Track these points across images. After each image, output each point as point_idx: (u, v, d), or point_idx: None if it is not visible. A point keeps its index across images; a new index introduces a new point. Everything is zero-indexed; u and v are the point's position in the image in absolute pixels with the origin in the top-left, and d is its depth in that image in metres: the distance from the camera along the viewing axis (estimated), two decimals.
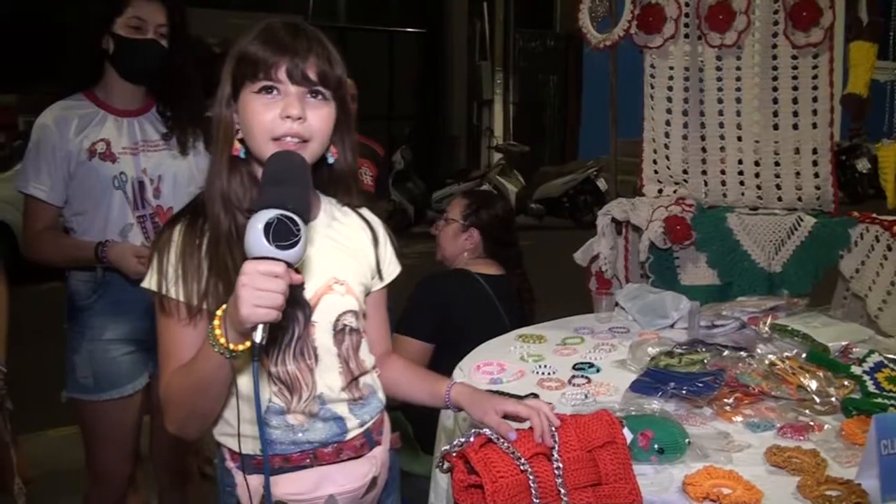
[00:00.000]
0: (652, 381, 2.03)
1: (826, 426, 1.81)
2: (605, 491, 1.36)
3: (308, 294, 1.41)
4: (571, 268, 3.35)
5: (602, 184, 10.84)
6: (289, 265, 1.17)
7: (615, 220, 3.24)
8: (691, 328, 2.48)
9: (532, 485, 1.29)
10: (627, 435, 1.50)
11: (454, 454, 1.35)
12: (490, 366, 2.24)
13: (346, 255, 1.50)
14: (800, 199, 3.07)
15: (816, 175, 3.02)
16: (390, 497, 1.61)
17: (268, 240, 1.15)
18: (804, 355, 2.12)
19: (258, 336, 1.16)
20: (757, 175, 3.11)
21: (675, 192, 3.24)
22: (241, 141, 1.38)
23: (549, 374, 2.18)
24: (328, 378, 1.44)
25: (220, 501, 1.48)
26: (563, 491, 1.31)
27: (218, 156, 1.39)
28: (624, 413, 1.74)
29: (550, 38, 14.23)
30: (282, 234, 1.16)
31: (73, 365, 2.44)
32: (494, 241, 2.77)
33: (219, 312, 1.21)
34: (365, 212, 1.58)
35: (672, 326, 2.61)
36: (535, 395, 1.98)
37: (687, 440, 1.66)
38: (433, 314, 2.54)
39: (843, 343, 2.23)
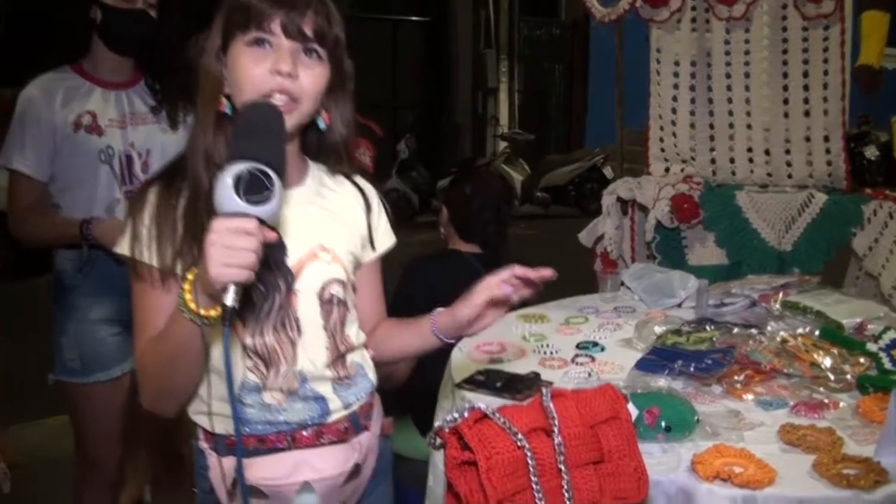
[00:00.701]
0: (658, 359, 1.94)
1: (842, 403, 1.72)
2: (607, 469, 1.27)
3: (291, 261, 1.32)
4: (577, 257, 3.26)
5: (608, 171, 10.71)
6: (262, 222, 1.09)
7: (621, 199, 3.16)
8: (699, 306, 2.39)
9: (530, 462, 1.21)
10: (632, 411, 1.41)
11: (447, 430, 1.27)
12: (490, 345, 2.15)
13: (334, 221, 1.41)
14: (811, 175, 3.00)
15: (828, 151, 2.93)
16: (379, 487, 1.51)
17: (238, 194, 1.06)
18: (817, 332, 2.03)
19: (229, 299, 1.07)
20: (767, 151, 3.03)
21: (682, 170, 3.16)
22: (229, 98, 1.29)
23: (551, 353, 2.10)
24: (312, 352, 1.34)
25: (196, 484, 1.40)
26: (563, 469, 1.23)
27: (203, 111, 1.30)
28: (629, 391, 1.66)
29: (556, 27, 14.08)
30: (253, 188, 1.07)
31: (60, 347, 2.36)
32: (462, 220, 2.60)
33: (189, 276, 1.13)
34: (359, 179, 1.49)
35: (679, 306, 2.53)
36: (537, 374, 1.90)
37: (696, 418, 1.57)
38: (422, 296, 2.43)
39: (858, 320, 2.14)
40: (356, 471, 1.40)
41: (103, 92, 2.34)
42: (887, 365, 1.89)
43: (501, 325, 2.33)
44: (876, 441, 1.51)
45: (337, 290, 1.37)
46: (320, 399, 1.35)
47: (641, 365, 1.93)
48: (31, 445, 3.45)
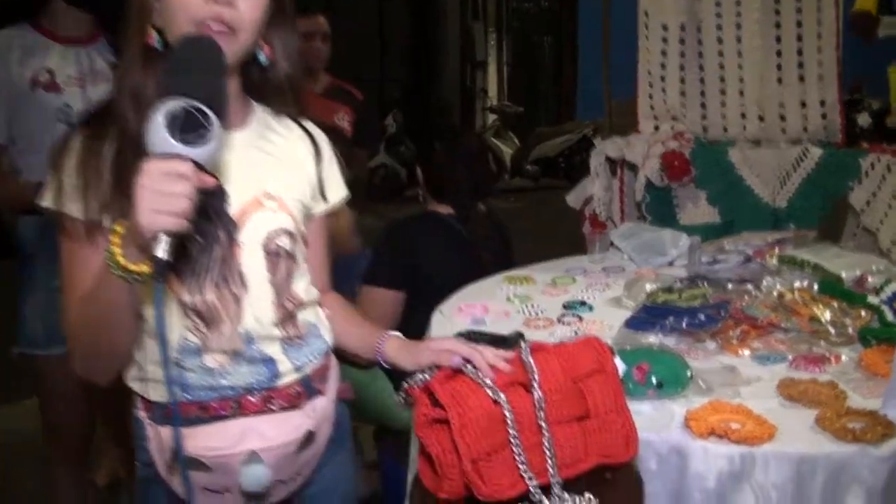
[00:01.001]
0: (649, 316, 1.84)
1: (843, 357, 1.63)
2: (592, 425, 1.17)
3: (233, 210, 1.20)
4: (568, 229, 3.14)
5: (599, 143, 10.59)
6: (198, 166, 0.97)
7: (609, 159, 3.04)
8: (691, 264, 2.29)
9: (507, 417, 1.11)
10: (620, 366, 1.31)
11: (417, 387, 1.17)
12: (472, 308, 2.05)
13: (281, 167, 1.28)
14: (805, 129, 2.89)
15: (822, 102, 2.83)
16: (338, 455, 1.38)
17: (171, 133, 0.95)
18: (816, 286, 1.93)
19: (160, 250, 0.96)
20: (759, 105, 2.91)
21: (672, 127, 3.04)
22: (159, 31, 1.16)
23: (536, 314, 1.99)
24: (258, 309, 1.22)
25: (137, 457, 1.28)
26: (543, 425, 1.13)
27: (129, 46, 1.17)
28: (618, 349, 1.55)
29: None
30: (188, 127, 0.96)
31: (24, 318, 2.26)
32: (435, 181, 2.44)
33: (118, 228, 1.01)
34: (308, 124, 1.36)
35: (671, 264, 2.42)
36: (521, 334, 1.79)
37: (689, 373, 1.48)
38: (401, 259, 2.31)
39: (858, 273, 2.05)
40: (309, 439, 1.27)
41: (62, 49, 2.23)
42: (890, 317, 1.80)
43: (485, 287, 2.24)
44: (882, 394, 1.42)
45: (284, 242, 1.24)
46: (268, 361, 1.23)
47: (631, 323, 1.83)
48: (9, 426, 3.36)
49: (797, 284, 1.93)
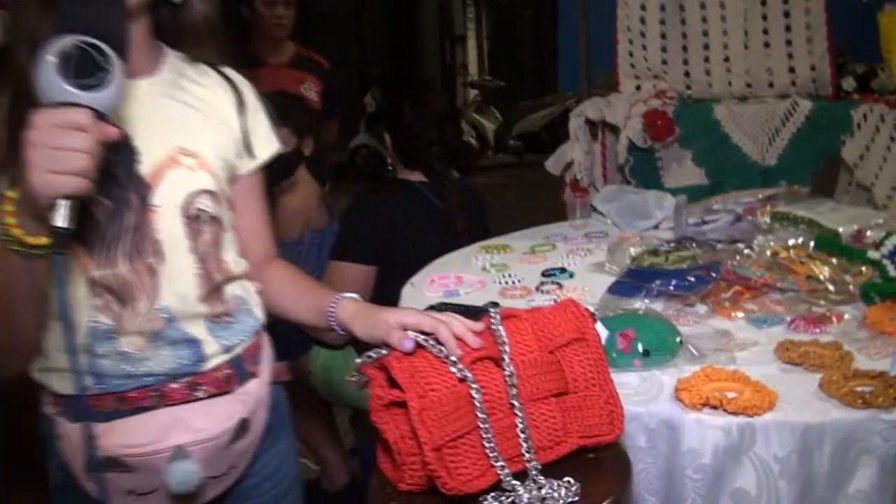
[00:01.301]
0: (634, 280, 1.71)
1: (846, 315, 1.50)
2: (572, 401, 1.03)
3: (145, 168, 1.04)
4: (551, 206, 2.98)
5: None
6: (98, 115, 0.83)
7: (589, 121, 2.90)
8: (678, 226, 2.15)
9: (475, 396, 0.97)
10: (602, 332, 1.18)
11: (372, 365, 1.03)
12: (446, 279, 1.91)
13: (198, 120, 1.12)
14: (793, 83, 2.76)
15: (811, 53, 2.69)
16: (278, 444, 1.24)
17: (63, 77, 0.80)
18: (812, 243, 1.80)
19: (59, 218, 0.82)
20: (745, 59, 2.77)
21: (654, 86, 2.89)
22: None
23: (513, 282, 1.86)
24: (179, 282, 1.07)
25: (47, 460, 1.13)
26: (516, 404, 0.99)
27: None
28: (600, 315, 1.42)
29: None
30: (84, 69, 0.81)
31: None
32: (404, 143, 2.27)
33: (11, 194, 0.86)
34: (229, 71, 1.20)
35: (656, 227, 2.29)
36: (496, 304, 1.65)
37: (678, 339, 1.34)
38: (370, 231, 2.16)
39: (855, 227, 1.91)
40: (243, 427, 1.13)
41: None
42: (892, 272, 1.68)
43: (459, 257, 2.11)
44: (890, 354, 1.30)
45: (206, 204, 1.09)
46: (192, 342, 1.09)
47: (615, 289, 1.69)
48: None
49: (792, 242, 1.80)
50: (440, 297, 1.78)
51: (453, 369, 0.98)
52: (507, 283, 1.85)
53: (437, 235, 2.21)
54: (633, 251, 1.92)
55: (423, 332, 1.03)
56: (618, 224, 2.34)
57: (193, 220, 1.07)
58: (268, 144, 1.23)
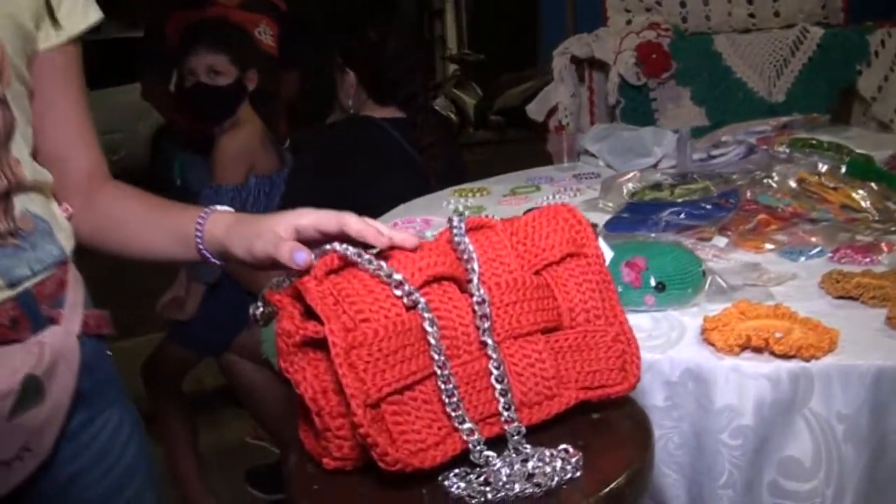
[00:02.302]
0: (635, 215, 1.42)
1: None
2: (567, 339, 0.74)
3: None
4: None
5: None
6: None
7: (575, 59, 2.60)
8: (681, 162, 1.87)
9: (429, 329, 0.68)
10: (606, 252, 0.89)
11: (281, 291, 0.73)
12: (412, 223, 1.63)
13: None
14: (801, 11, 2.47)
15: None
16: (99, 418, 0.89)
17: None
18: (843, 168, 1.52)
19: None
20: None
21: (646, 19, 2.60)
22: None
23: None
24: None
25: None
26: (489, 342, 0.70)
27: None
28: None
29: None
30: None
31: None
32: (374, 75, 1.99)
33: None
34: None
35: (655, 166, 2.00)
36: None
37: (701, 268, 1.05)
38: (327, 175, 1.86)
39: (889, 152, 1.65)
40: (35, 389, 0.79)
41: None
42: None
43: (429, 200, 1.81)
44: None
45: None
46: None
47: (612, 226, 1.40)
48: None
49: (821, 167, 1.52)
50: None
51: (397, 291, 0.68)
52: None
53: (402, 179, 1.91)
54: (631, 186, 1.64)
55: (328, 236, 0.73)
56: (612, 164, 2.04)
57: None
58: (82, 15, 0.89)
